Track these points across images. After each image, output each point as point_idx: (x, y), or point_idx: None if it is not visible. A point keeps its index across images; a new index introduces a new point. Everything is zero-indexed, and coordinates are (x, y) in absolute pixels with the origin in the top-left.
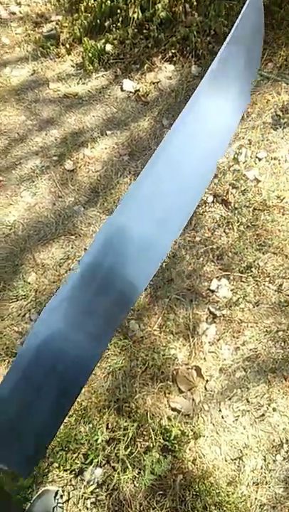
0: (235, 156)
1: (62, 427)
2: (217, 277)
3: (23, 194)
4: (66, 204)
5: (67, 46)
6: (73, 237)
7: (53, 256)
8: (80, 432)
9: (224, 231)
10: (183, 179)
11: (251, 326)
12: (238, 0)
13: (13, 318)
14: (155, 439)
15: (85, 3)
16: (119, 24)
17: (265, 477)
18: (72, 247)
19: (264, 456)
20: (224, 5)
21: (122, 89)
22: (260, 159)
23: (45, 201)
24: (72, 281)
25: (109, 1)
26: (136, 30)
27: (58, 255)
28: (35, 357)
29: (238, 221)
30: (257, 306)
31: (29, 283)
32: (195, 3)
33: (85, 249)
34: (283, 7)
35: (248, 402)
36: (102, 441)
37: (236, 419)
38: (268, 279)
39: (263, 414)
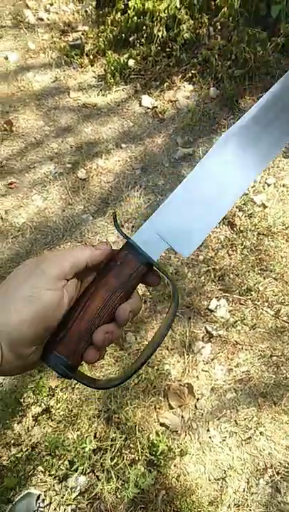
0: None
1: (50, 431)
2: (217, 297)
3: (34, 198)
4: (75, 212)
5: (91, 57)
6: (79, 244)
7: None
8: (68, 438)
9: (227, 252)
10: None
11: (246, 349)
12: (262, 28)
13: None
14: (142, 452)
15: (112, 17)
16: (143, 40)
17: (246, 500)
18: None
19: (247, 479)
20: (247, 31)
21: (140, 105)
22: (268, 185)
23: (55, 207)
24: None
25: (136, 17)
26: (159, 48)
27: None
28: None
29: (242, 244)
30: (253, 329)
31: None
32: (219, 27)
33: None
34: None
35: (236, 423)
36: (89, 449)
37: (223, 440)
38: (266, 303)
39: (250, 437)
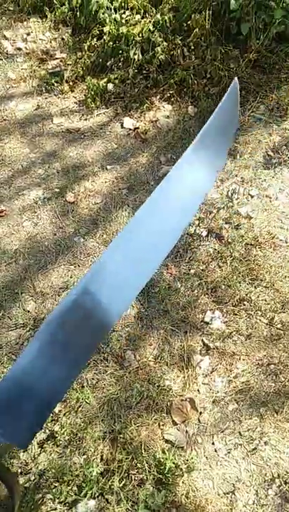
0: (229, 193)
1: (56, 457)
2: (211, 310)
3: (25, 224)
4: (66, 235)
5: (71, 83)
6: (72, 266)
7: (53, 285)
8: (75, 463)
9: (218, 265)
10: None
11: (243, 359)
12: (233, 46)
13: (11, 346)
14: (149, 471)
15: (88, 43)
16: (120, 64)
17: None
18: (71, 277)
19: (256, 491)
20: (220, 50)
21: (122, 127)
22: (252, 196)
23: (46, 231)
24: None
25: (111, 42)
26: (136, 70)
27: (57, 284)
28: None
29: (231, 255)
30: (249, 338)
31: (28, 311)
32: (192, 47)
33: None
34: (275, 53)
35: (240, 435)
36: (96, 473)
37: (229, 453)
38: (259, 312)
39: (255, 448)
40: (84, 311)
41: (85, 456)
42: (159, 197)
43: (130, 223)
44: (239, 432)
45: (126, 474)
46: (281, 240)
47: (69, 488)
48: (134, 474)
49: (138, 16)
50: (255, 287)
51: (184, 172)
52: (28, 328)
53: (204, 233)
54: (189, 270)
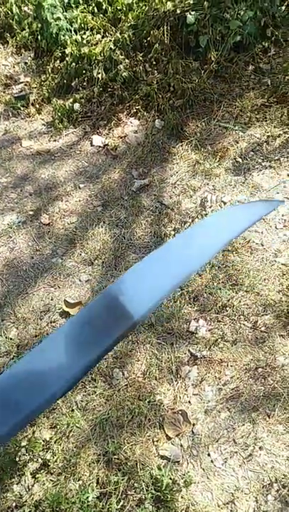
0: (202, 201)
1: (51, 485)
2: (195, 319)
3: (1, 250)
4: (44, 257)
5: (37, 106)
6: (53, 288)
7: (34, 309)
8: (71, 490)
9: (198, 273)
10: None
11: (231, 365)
12: (194, 58)
13: None
14: (147, 490)
15: (51, 65)
16: (85, 84)
17: None
18: (51, 299)
19: (256, 498)
20: (181, 63)
21: (91, 145)
22: (225, 203)
23: (23, 255)
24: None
25: (74, 63)
26: (101, 89)
27: (38, 308)
28: None
29: (210, 263)
30: (235, 344)
31: (11, 338)
32: (154, 62)
33: (65, 300)
34: (234, 63)
35: (235, 443)
36: (93, 498)
37: (225, 462)
38: (242, 317)
39: (251, 454)
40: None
41: (80, 482)
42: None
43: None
44: (233, 440)
45: (124, 495)
46: (257, 244)
47: None
48: (131, 494)
49: (98, 36)
50: (236, 292)
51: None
52: (11, 356)
53: None
54: None
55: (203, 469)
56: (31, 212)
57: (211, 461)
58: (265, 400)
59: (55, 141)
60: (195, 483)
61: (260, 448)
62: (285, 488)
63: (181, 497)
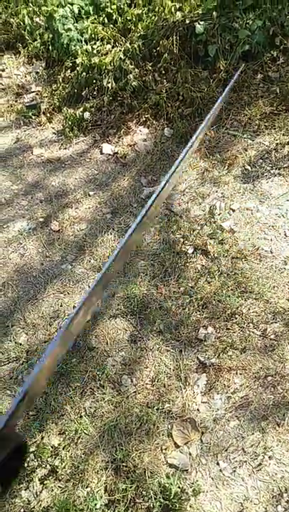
0: (211, 209)
1: (59, 492)
2: (203, 326)
3: (12, 256)
4: (54, 263)
5: (48, 115)
6: (62, 295)
7: (43, 315)
8: (79, 496)
9: (206, 280)
10: None
11: (240, 373)
12: (203, 68)
13: (5, 381)
14: (155, 498)
15: (62, 75)
16: (95, 93)
17: None
18: (61, 305)
19: (265, 508)
20: (190, 72)
21: (101, 153)
22: (234, 210)
23: (33, 261)
24: None
25: (84, 73)
26: (111, 98)
27: (48, 314)
28: None
29: (219, 270)
30: (244, 352)
31: (20, 344)
32: (163, 71)
33: (74, 306)
34: (242, 71)
35: (244, 452)
36: (101, 505)
37: (234, 471)
38: (252, 325)
39: (260, 464)
40: None
41: (88, 489)
42: None
43: None
44: (243, 449)
45: (132, 503)
46: (266, 251)
47: None
48: (139, 503)
49: (108, 46)
50: (245, 300)
51: None
52: (21, 362)
53: (190, 250)
54: (179, 288)
55: (212, 478)
56: (41, 219)
57: (220, 470)
58: (274, 408)
59: (65, 149)
60: (204, 492)
61: (270, 457)
62: None
63: (190, 506)
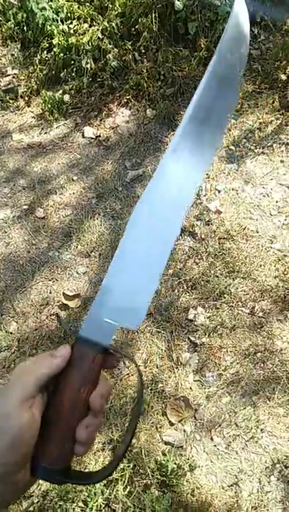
0: (197, 190)
1: None
2: (193, 307)
3: None
4: (40, 251)
5: (26, 98)
6: (50, 282)
7: (33, 303)
8: None
9: (195, 262)
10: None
11: (231, 351)
12: (183, 46)
13: None
14: (152, 475)
15: (39, 57)
16: (74, 75)
17: (262, 500)
18: (50, 292)
19: (259, 479)
20: (170, 51)
21: (83, 136)
22: (219, 191)
23: (19, 250)
24: None
25: (62, 54)
26: (90, 79)
27: (37, 302)
28: None
29: (206, 251)
30: (233, 330)
31: (11, 333)
32: (143, 51)
33: (64, 293)
34: None
35: (237, 426)
36: (100, 485)
37: (228, 445)
38: (240, 303)
39: (253, 437)
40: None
41: (86, 471)
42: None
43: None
44: (235, 423)
45: (130, 482)
46: (252, 231)
47: (74, 504)
48: (137, 480)
49: (86, 25)
50: (233, 279)
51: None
52: (12, 350)
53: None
54: (167, 271)
55: (207, 453)
56: (25, 207)
57: (214, 445)
58: (265, 383)
59: (46, 133)
60: (199, 467)
61: (262, 430)
62: (287, 468)
63: (186, 481)
